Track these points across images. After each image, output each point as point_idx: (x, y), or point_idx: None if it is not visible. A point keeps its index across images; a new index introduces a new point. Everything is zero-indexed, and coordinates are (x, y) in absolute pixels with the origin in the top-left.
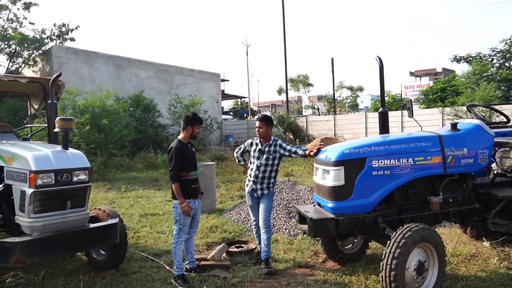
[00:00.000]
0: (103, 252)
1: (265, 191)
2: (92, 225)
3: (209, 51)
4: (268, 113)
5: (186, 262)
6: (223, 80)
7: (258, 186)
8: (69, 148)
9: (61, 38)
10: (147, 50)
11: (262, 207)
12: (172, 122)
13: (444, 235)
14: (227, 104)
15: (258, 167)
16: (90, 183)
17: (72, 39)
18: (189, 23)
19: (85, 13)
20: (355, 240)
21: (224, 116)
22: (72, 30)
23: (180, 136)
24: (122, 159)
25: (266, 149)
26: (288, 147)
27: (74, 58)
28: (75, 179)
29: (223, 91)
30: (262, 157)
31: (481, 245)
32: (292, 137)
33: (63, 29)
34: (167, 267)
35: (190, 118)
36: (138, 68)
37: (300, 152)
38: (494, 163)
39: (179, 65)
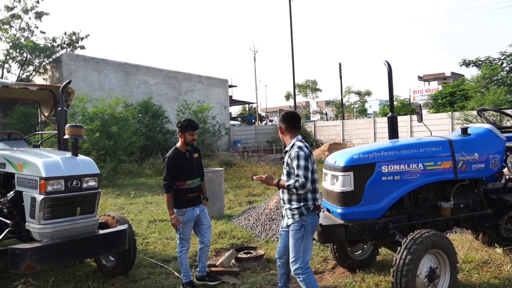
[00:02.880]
0: (112, 258)
1: (289, 220)
2: (101, 232)
3: (217, 57)
4: (275, 119)
5: (197, 269)
6: (231, 86)
7: (284, 212)
8: (78, 155)
9: (71, 46)
10: (155, 57)
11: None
12: None
13: (456, 241)
14: (235, 110)
15: None
16: (99, 190)
17: (82, 47)
18: (197, 30)
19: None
20: (365, 246)
21: (232, 122)
22: (82, 38)
23: (178, 144)
24: (131, 165)
25: (285, 157)
26: (294, 168)
27: (83, 65)
28: (84, 185)
29: (231, 97)
30: (283, 169)
31: (494, 252)
32: None
33: (73, 37)
34: (176, 274)
35: (181, 124)
36: (147, 74)
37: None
38: (506, 168)
39: (187, 71)
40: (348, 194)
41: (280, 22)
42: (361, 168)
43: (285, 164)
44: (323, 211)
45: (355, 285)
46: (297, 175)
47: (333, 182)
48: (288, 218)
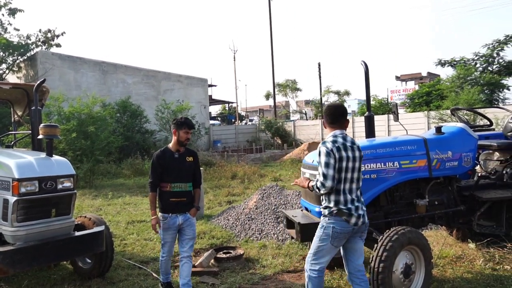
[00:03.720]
0: (89, 261)
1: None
2: (77, 233)
3: (197, 56)
4: (255, 118)
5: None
6: (210, 86)
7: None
8: (53, 155)
9: (46, 44)
10: (134, 56)
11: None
12: (160, 128)
13: (431, 237)
14: (215, 110)
15: None
16: (75, 191)
17: (58, 45)
18: (176, 29)
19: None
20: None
21: (211, 122)
22: (58, 36)
23: (170, 143)
24: (109, 165)
25: None
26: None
27: (59, 63)
28: (59, 186)
29: (210, 96)
30: None
31: (467, 247)
32: (280, 141)
33: (49, 35)
34: (154, 275)
35: (177, 121)
36: (125, 73)
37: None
38: (478, 165)
39: (166, 70)
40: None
41: (259, 21)
42: None
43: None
44: (301, 210)
45: (333, 282)
46: (318, 173)
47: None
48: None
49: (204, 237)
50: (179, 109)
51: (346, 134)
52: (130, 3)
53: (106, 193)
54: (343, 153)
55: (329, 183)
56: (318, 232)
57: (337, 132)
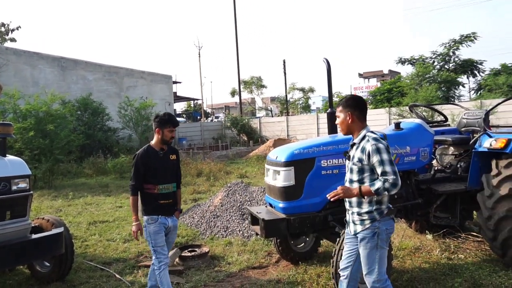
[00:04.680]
0: (48, 264)
1: (358, 227)
2: (34, 236)
3: (161, 52)
4: (221, 115)
5: None
6: (175, 82)
7: (349, 217)
8: (7, 155)
9: (0, 39)
10: (95, 52)
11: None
12: (123, 126)
13: None
14: (180, 107)
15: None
16: (31, 192)
17: (13, 40)
18: (139, 24)
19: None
20: (307, 239)
21: (177, 119)
22: (12, 30)
23: (152, 141)
24: (70, 165)
25: (353, 151)
26: (375, 165)
27: (14, 59)
28: (14, 187)
29: (175, 93)
30: (348, 165)
31: (425, 238)
32: (246, 138)
33: (2, 29)
34: (117, 276)
35: (160, 119)
36: (85, 70)
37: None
38: (435, 160)
39: (129, 66)
40: (289, 188)
41: (225, 17)
42: (302, 163)
43: (355, 159)
44: (266, 206)
45: (297, 277)
46: (383, 173)
47: (275, 177)
48: (356, 224)
49: None
50: (143, 106)
51: None
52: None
53: (66, 194)
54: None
55: (400, 181)
56: (372, 242)
57: (369, 127)
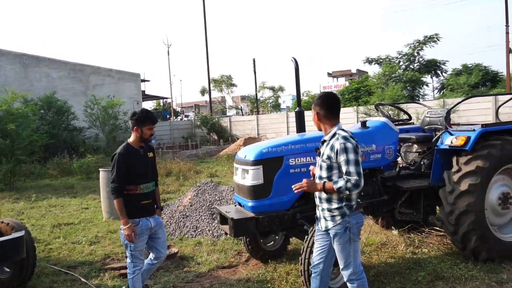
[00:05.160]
0: (8, 270)
1: (329, 223)
2: None
3: (129, 50)
4: (191, 114)
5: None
6: (143, 81)
7: (319, 213)
8: None
9: None
10: (59, 49)
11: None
12: (89, 125)
13: None
14: (148, 105)
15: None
16: None
17: None
18: (106, 21)
19: None
20: (277, 237)
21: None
22: None
23: (130, 139)
24: (33, 166)
25: (323, 148)
26: (341, 163)
27: None
28: None
29: (143, 91)
30: (318, 162)
31: (391, 234)
32: (216, 137)
33: None
34: (82, 279)
35: (138, 116)
36: (49, 67)
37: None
38: (399, 157)
39: (95, 64)
40: (258, 187)
41: (194, 15)
42: (270, 162)
43: (324, 156)
44: (235, 205)
45: (267, 275)
46: (347, 173)
47: (244, 176)
48: (327, 220)
49: None
50: (110, 105)
51: None
52: None
53: (29, 196)
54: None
55: (362, 182)
56: (344, 237)
57: (341, 125)
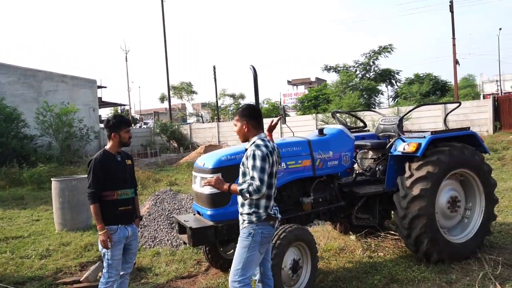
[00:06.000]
0: None
1: (241, 226)
2: None
3: (84, 56)
4: (150, 122)
5: None
6: (100, 87)
7: (240, 217)
8: None
9: None
10: (9, 53)
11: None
12: (41, 133)
13: (317, 232)
14: (105, 112)
15: None
16: None
17: None
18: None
19: None
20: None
21: (102, 125)
22: None
23: (107, 146)
24: None
25: (244, 156)
26: (249, 169)
27: None
28: None
29: (100, 98)
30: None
31: (349, 239)
32: (176, 145)
33: None
34: None
35: (112, 123)
36: None
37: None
38: (356, 163)
39: (48, 69)
40: (216, 195)
41: (153, 22)
42: (229, 169)
43: (241, 163)
44: (194, 214)
45: (227, 284)
46: (252, 178)
47: (202, 184)
48: (240, 223)
49: (92, 249)
50: (64, 112)
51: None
52: None
53: None
54: (274, 158)
55: (264, 189)
56: (245, 241)
57: (263, 135)
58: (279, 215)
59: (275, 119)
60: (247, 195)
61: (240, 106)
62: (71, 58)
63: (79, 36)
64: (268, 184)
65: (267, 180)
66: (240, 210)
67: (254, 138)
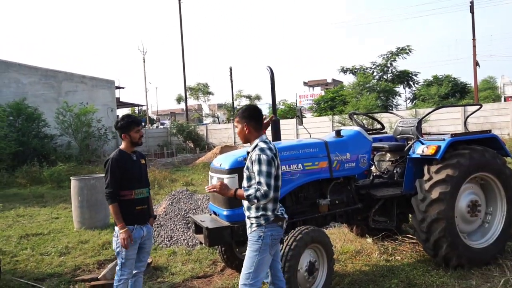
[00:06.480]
0: None
1: (248, 230)
2: None
3: (103, 57)
4: (167, 122)
5: None
6: (118, 88)
7: (246, 220)
8: None
9: None
10: (31, 55)
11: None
12: (61, 132)
13: (334, 234)
14: (123, 113)
15: None
16: None
17: None
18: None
19: None
20: None
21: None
22: None
23: (122, 146)
24: (0, 174)
25: (247, 159)
26: (255, 174)
27: None
28: None
29: (118, 98)
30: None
31: (365, 242)
32: (192, 145)
33: None
34: None
35: (121, 124)
36: (19, 72)
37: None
38: (373, 166)
39: (68, 70)
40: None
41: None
42: None
43: (245, 167)
44: (210, 214)
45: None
46: (258, 183)
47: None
48: (248, 227)
49: (109, 247)
50: (83, 112)
51: None
52: None
53: None
54: (278, 160)
55: (272, 194)
56: (255, 245)
57: (264, 136)
58: (285, 215)
59: (267, 118)
60: (255, 200)
61: (240, 107)
62: (90, 59)
63: (98, 38)
64: (274, 187)
65: (274, 184)
66: (247, 213)
67: (256, 141)
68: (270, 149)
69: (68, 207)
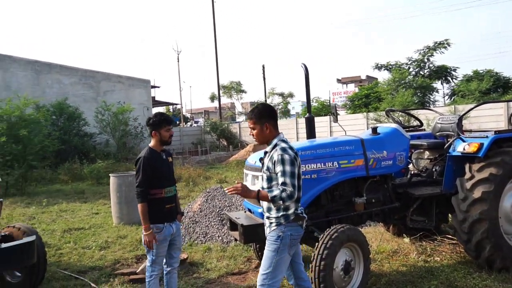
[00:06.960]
0: (19, 274)
1: (267, 230)
2: (3, 245)
3: (139, 57)
4: (200, 120)
5: None
6: (153, 87)
7: (264, 220)
8: None
9: None
10: (71, 56)
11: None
12: (100, 131)
13: (369, 234)
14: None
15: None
16: (1, 199)
17: None
18: (117, 28)
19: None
20: None
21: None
22: None
23: (151, 144)
24: (44, 171)
25: (265, 159)
26: (278, 174)
27: None
28: None
29: (153, 97)
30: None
31: (402, 241)
32: (226, 143)
33: None
34: (92, 285)
35: (153, 121)
36: (61, 73)
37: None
38: (411, 164)
39: (105, 71)
40: None
41: (203, 22)
42: None
43: (265, 167)
44: (245, 211)
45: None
46: (283, 183)
47: (254, 182)
48: (267, 227)
49: None
50: (121, 111)
51: None
52: (66, 0)
53: (40, 201)
54: (299, 159)
55: (296, 194)
56: (274, 244)
57: (281, 135)
58: (305, 215)
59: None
60: (280, 202)
61: (252, 107)
62: (127, 59)
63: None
64: (298, 187)
65: (297, 184)
66: (267, 214)
67: (275, 140)
68: (291, 148)
69: (107, 203)
